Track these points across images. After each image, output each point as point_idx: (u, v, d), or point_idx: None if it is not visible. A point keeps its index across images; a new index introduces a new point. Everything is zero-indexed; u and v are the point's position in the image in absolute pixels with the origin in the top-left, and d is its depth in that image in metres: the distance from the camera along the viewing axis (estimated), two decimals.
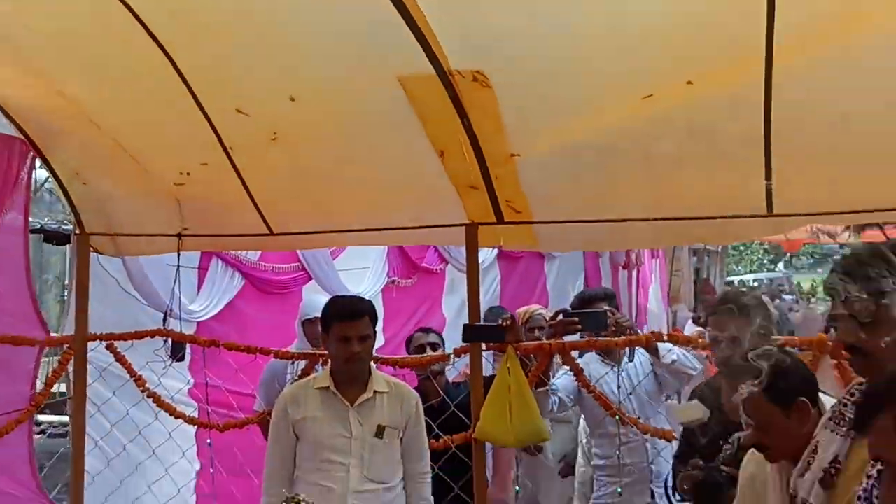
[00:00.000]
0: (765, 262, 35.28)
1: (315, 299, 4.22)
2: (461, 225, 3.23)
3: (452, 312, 6.09)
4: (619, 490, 3.33)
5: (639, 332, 3.50)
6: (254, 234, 3.50)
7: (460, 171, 3.00)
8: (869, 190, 2.70)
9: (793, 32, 2.22)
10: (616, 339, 3.25)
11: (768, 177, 2.71)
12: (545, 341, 3.30)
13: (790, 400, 1.84)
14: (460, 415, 3.36)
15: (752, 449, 1.99)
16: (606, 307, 3.50)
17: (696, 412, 2.53)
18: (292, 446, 2.88)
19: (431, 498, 2.88)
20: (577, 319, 3.31)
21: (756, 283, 28.48)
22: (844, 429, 1.69)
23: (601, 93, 2.64)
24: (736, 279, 29.65)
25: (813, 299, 28.73)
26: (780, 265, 34.76)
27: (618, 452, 3.34)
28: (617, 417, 3.31)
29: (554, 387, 3.40)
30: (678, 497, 2.76)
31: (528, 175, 2.96)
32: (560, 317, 3.36)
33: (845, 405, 1.72)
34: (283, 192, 3.36)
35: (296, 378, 3.55)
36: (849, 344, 1.62)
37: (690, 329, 12.14)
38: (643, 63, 2.48)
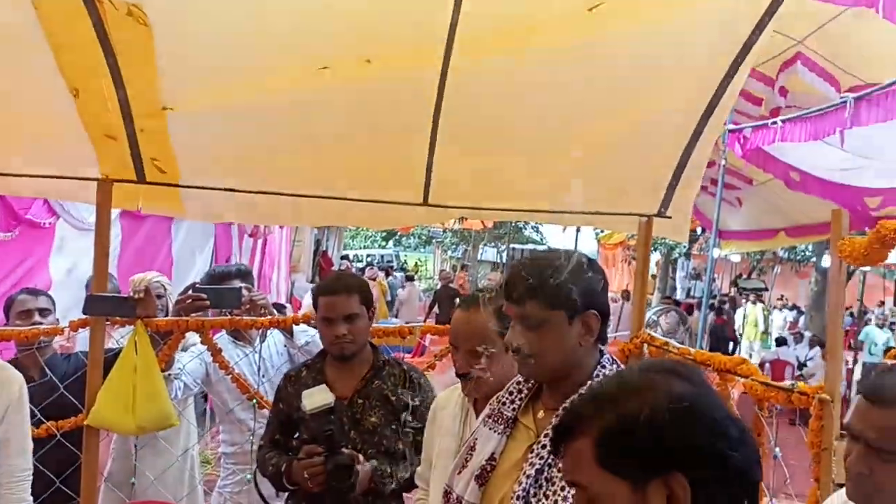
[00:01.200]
0: (378, 239, 37.53)
1: None
2: (92, 179, 2.77)
3: (61, 274, 5.36)
4: (249, 477, 3.15)
5: (274, 312, 3.35)
6: None
7: (98, 116, 2.56)
8: (516, 189, 2.88)
9: (475, 30, 2.25)
10: (261, 318, 3.06)
11: (429, 167, 2.74)
12: (182, 317, 2.98)
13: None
14: (69, 396, 2.90)
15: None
16: (241, 284, 3.29)
17: (324, 396, 2.47)
18: None
19: (30, 498, 2.42)
20: (206, 296, 3.05)
21: (370, 258, 30.20)
22: (501, 426, 1.74)
23: (274, 56, 2.43)
24: (352, 253, 31.11)
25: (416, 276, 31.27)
26: (391, 243, 37.26)
27: (251, 438, 3.16)
28: (254, 402, 3.12)
29: (178, 371, 3.09)
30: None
31: (181, 133, 2.63)
32: (189, 292, 3.07)
33: (504, 403, 1.77)
34: None
35: None
36: (516, 347, 1.65)
37: (308, 301, 12.39)
38: (323, 35, 2.33)
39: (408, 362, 2.82)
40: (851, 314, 15.73)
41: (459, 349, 2.06)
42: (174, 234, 7.14)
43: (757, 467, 1.06)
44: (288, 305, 8.06)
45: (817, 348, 13.32)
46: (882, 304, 18.80)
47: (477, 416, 2.11)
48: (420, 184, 2.78)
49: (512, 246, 23.82)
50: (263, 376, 3.24)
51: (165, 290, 3.48)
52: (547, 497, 1.56)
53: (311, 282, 18.59)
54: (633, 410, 1.05)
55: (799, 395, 2.04)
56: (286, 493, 2.66)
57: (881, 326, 12.75)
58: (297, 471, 2.45)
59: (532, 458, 1.62)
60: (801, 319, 20.37)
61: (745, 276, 27.40)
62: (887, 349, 10.74)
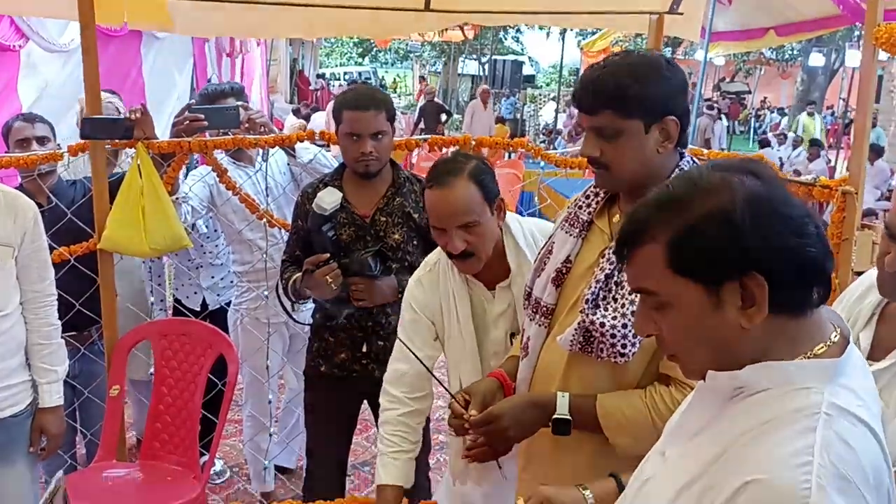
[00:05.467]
0: (354, 55, 36.34)
1: None
2: None
3: (30, 99, 5.15)
4: (267, 293, 3.21)
5: (275, 129, 3.26)
6: None
7: None
8: None
9: None
10: (264, 136, 2.97)
11: None
12: (183, 139, 2.89)
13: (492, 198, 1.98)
14: (79, 223, 2.88)
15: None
16: (237, 102, 3.18)
17: (335, 197, 2.47)
18: None
19: (58, 322, 2.46)
20: (203, 116, 2.95)
21: (347, 76, 29.39)
22: (577, 230, 1.73)
23: None
24: (328, 71, 30.24)
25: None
26: (367, 59, 36.12)
27: (264, 256, 3.18)
28: (264, 221, 3.11)
29: (184, 195, 3.05)
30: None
31: None
32: (186, 113, 2.96)
33: (580, 207, 1.75)
34: None
35: None
36: (592, 157, 1.60)
37: (291, 121, 12.16)
38: None
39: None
40: (833, 113, 15.73)
41: (447, 230, 1.97)
42: (144, 54, 6.80)
43: (830, 259, 1.04)
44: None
45: (801, 149, 13.43)
46: None
47: (488, 285, 2.08)
48: None
49: (493, 57, 23.17)
50: (269, 196, 3.22)
51: (119, 112, 3.34)
52: (616, 300, 1.59)
53: (290, 102, 18.21)
54: (708, 211, 1.01)
55: (822, 188, 2.04)
56: (314, 304, 2.71)
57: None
58: (316, 280, 2.47)
59: (603, 262, 1.63)
60: (784, 121, 20.41)
61: (728, 80, 27.10)
62: (871, 147, 10.84)
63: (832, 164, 11.53)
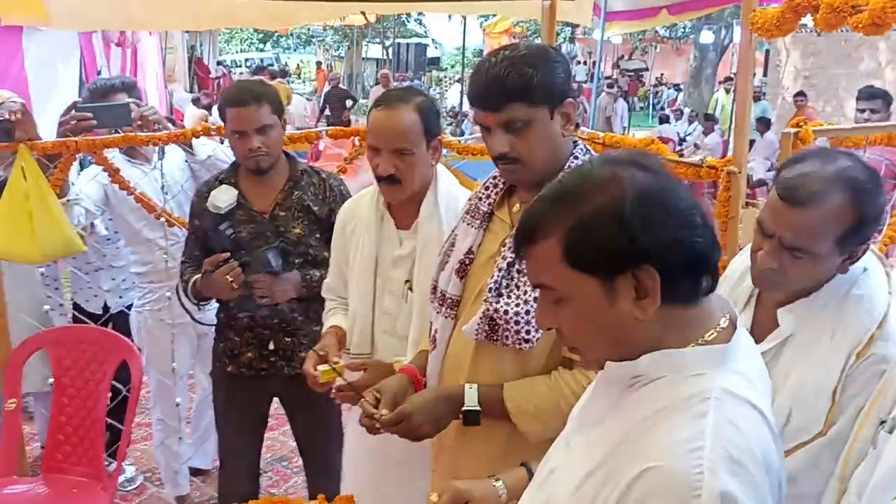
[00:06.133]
0: (255, 41, 35.52)
1: None
2: None
3: None
4: (169, 294, 3.12)
5: (169, 126, 3.17)
6: None
7: None
8: None
9: None
10: (158, 134, 2.88)
11: None
12: (70, 139, 2.77)
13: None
14: None
15: None
16: (128, 99, 3.06)
17: (231, 194, 2.44)
18: None
19: None
20: (91, 115, 2.83)
21: (248, 63, 28.71)
22: (478, 222, 1.76)
23: None
24: (228, 58, 29.46)
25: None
26: (269, 45, 35.36)
27: (165, 257, 3.09)
28: (163, 220, 3.02)
29: (76, 196, 2.93)
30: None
31: None
32: (73, 112, 2.84)
33: (480, 199, 1.78)
34: None
35: None
36: (502, 154, 1.61)
37: (192, 112, 11.80)
38: None
39: (325, 170, 2.76)
40: (727, 89, 16.33)
41: (381, 151, 2.00)
42: (26, 47, 6.45)
43: (717, 249, 1.09)
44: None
45: (696, 123, 13.91)
46: (753, 76, 19.52)
47: (398, 224, 2.13)
48: None
49: (397, 41, 23.06)
50: (167, 194, 3.12)
51: (16, 113, 3.18)
52: (518, 287, 1.62)
53: (190, 91, 17.64)
54: (600, 206, 1.04)
55: (708, 168, 2.13)
56: (218, 303, 2.67)
57: (756, 99, 13.29)
58: (217, 281, 2.43)
59: (504, 251, 1.65)
60: (680, 96, 21.06)
61: (626, 58, 27.78)
62: (759, 119, 11.33)
63: (726, 136, 11.97)
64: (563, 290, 1.08)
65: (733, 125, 2.24)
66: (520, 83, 1.55)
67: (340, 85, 16.74)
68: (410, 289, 2.07)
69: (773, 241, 1.52)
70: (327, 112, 14.81)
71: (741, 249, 2.04)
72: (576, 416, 1.26)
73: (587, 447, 1.12)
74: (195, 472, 3.62)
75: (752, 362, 1.11)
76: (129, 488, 3.68)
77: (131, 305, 3.42)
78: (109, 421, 2.87)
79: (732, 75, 16.36)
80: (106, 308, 3.49)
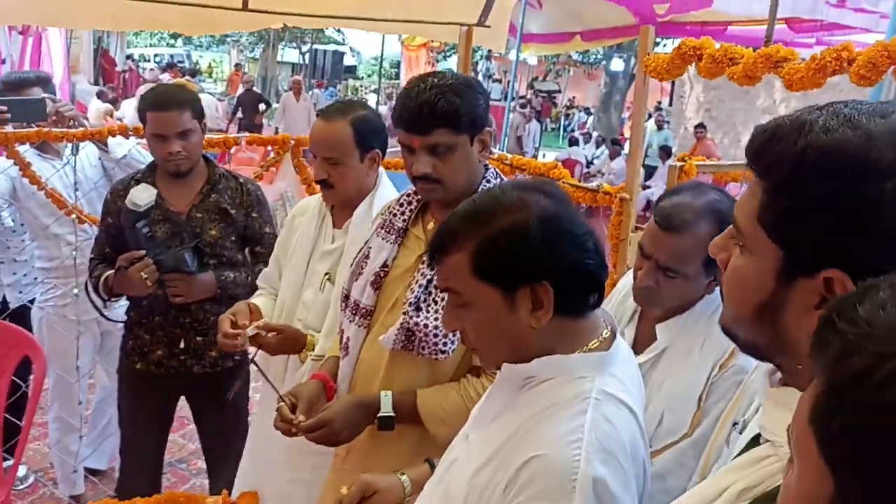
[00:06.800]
0: (165, 36, 34.62)
1: None
2: None
3: None
4: (76, 292, 3.10)
5: (84, 122, 3.16)
6: None
7: None
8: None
9: None
10: (73, 130, 2.87)
11: None
12: None
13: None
14: None
15: None
16: (43, 94, 3.05)
17: (150, 192, 2.48)
18: None
19: None
20: (6, 108, 2.82)
21: (157, 59, 27.99)
22: (393, 237, 1.87)
23: None
24: (136, 52, 28.65)
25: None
26: (180, 41, 34.54)
27: (73, 253, 3.07)
28: (74, 217, 3.01)
29: None
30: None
31: None
32: None
33: (395, 215, 1.89)
34: None
35: None
36: (425, 175, 1.72)
37: (96, 105, 11.45)
38: None
39: (242, 175, 2.83)
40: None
41: (317, 157, 2.17)
42: None
43: (605, 270, 1.25)
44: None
45: (603, 147, 14.43)
46: (659, 104, 20.35)
47: (334, 222, 2.24)
48: None
49: (314, 47, 22.96)
50: (78, 190, 3.11)
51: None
52: (436, 302, 1.73)
53: (95, 84, 17.06)
54: (507, 226, 1.18)
55: (604, 194, 2.32)
56: (128, 302, 2.69)
57: (659, 128, 13.91)
58: (131, 277, 2.46)
59: (423, 268, 1.76)
60: (590, 120, 21.75)
61: (541, 79, 28.47)
62: (661, 147, 11.88)
63: None
64: (469, 297, 1.22)
65: (628, 157, 2.44)
66: (447, 111, 1.68)
67: (254, 88, 16.57)
68: (330, 280, 2.19)
69: (650, 262, 1.70)
70: (240, 115, 14.63)
71: (629, 269, 2.23)
72: (475, 414, 1.39)
73: (484, 441, 1.25)
74: (91, 472, 3.58)
75: (627, 368, 1.27)
76: (20, 487, 3.60)
77: (33, 301, 3.38)
78: (7, 416, 2.84)
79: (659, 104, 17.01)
80: (5, 303, 3.42)
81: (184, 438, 4.06)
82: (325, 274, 2.21)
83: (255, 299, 2.37)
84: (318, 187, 2.26)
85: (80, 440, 3.36)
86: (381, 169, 2.27)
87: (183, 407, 2.90)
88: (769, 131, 0.87)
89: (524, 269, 1.18)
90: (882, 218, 0.78)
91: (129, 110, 10.56)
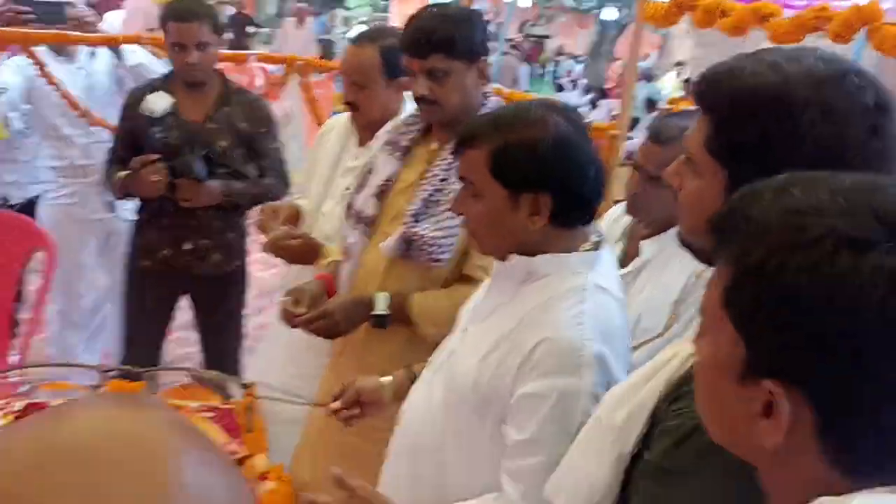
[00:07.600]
0: None
1: None
2: None
3: None
4: (86, 190, 3.22)
5: (102, 29, 3.25)
6: None
7: None
8: None
9: None
10: (91, 35, 2.97)
11: None
12: (2, 29, 2.83)
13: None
14: None
15: None
16: None
17: (167, 100, 2.62)
18: None
19: None
20: (29, 9, 2.91)
21: None
22: (398, 154, 2.01)
23: None
24: None
25: None
26: None
27: (86, 153, 3.19)
28: (85, 119, 3.12)
29: (1, 86, 2.98)
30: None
31: None
32: (10, 5, 2.90)
33: (401, 134, 2.04)
34: None
35: None
36: (423, 96, 1.87)
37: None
38: None
39: (254, 93, 2.96)
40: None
41: (346, 79, 2.30)
42: None
43: (600, 196, 1.43)
44: None
45: (590, 95, 14.50)
46: (647, 56, 20.31)
47: (360, 142, 2.39)
48: None
49: None
50: (90, 95, 3.22)
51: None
52: (435, 215, 1.89)
53: None
54: (526, 137, 1.36)
55: (595, 130, 2.49)
56: (140, 201, 2.83)
57: (649, 79, 13.98)
58: (142, 179, 2.60)
59: (424, 184, 1.92)
60: (579, 67, 21.68)
61: (532, 23, 28.21)
62: (647, 99, 11.98)
63: (615, 112, 12.58)
64: (480, 189, 1.41)
65: (622, 97, 2.61)
66: (443, 37, 1.83)
67: (244, 11, 16.33)
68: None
69: (641, 172, 1.88)
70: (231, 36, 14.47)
71: (614, 202, 2.42)
72: (470, 310, 1.58)
73: (483, 332, 1.45)
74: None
75: (612, 269, 1.49)
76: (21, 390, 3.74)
77: (33, 200, 3.49)
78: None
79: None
80: (6, 200, 3.52)
81: (175, 344, 4.22)
82: (347, 188, 2.35)
83: (300, 201, 2.55)
84: (320, 107, 2.41)
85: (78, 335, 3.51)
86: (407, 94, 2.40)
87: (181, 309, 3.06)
88: (708, 76, 1.06)
89: (530, 177, 1.37)
90: (804, 142, 0.96)
91: (113, 22, 10.41)
